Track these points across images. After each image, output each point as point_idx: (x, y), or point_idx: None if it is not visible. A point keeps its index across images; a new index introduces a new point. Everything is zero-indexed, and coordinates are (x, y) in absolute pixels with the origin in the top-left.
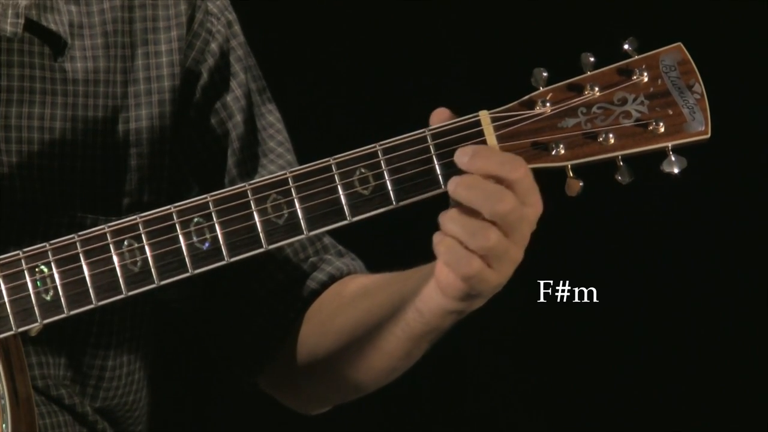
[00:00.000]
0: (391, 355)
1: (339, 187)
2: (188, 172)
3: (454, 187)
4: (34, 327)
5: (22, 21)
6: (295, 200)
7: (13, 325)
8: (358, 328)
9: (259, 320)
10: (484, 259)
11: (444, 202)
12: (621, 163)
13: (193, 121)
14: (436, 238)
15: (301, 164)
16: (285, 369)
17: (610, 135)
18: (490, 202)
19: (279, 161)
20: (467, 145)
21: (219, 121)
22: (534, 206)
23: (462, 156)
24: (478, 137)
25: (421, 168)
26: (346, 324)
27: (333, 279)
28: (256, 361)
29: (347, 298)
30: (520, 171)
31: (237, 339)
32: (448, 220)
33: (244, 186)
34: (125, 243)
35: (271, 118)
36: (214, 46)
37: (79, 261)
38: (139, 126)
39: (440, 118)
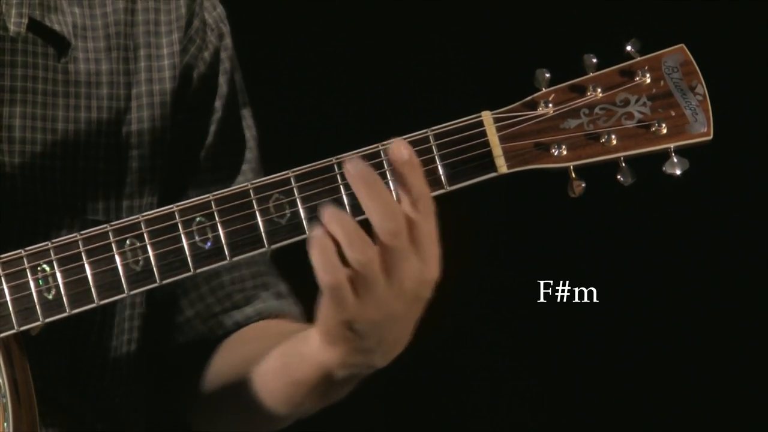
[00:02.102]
0: (274, 399)
1: (341, 187)
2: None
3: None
4: (36, 326)
5: (25, 21)
6: (298, 200)
7: (14, 324)
8: (247, 367)
9: (180, 339)
10: (353, 275)
11: (445, 203)
12: (623, 164)
13: (177, 124)
14: (315, 232)
15: (303, 164)
16: (197, 392)
17: (613, 136)
18: (377, 214)
19: (240, 179)
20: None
21: (194, 129)
22: (427, 263)
23: (398, 156)
24: (480, 138)
25: (424, 168)
26: (240, 360)
27: (260, 316)
28: (177, 377)
29: (261, 338)
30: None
31: (165, 352)
32: (334, 219)
33: (247, 185)
34: (127, 242)
35: (247, 134)
36: (205, 54)
37: (81, 260)
38: (141, 128)
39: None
